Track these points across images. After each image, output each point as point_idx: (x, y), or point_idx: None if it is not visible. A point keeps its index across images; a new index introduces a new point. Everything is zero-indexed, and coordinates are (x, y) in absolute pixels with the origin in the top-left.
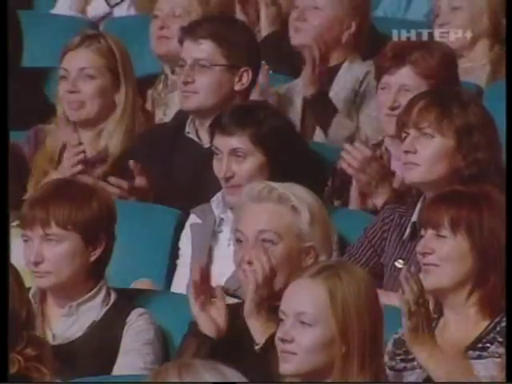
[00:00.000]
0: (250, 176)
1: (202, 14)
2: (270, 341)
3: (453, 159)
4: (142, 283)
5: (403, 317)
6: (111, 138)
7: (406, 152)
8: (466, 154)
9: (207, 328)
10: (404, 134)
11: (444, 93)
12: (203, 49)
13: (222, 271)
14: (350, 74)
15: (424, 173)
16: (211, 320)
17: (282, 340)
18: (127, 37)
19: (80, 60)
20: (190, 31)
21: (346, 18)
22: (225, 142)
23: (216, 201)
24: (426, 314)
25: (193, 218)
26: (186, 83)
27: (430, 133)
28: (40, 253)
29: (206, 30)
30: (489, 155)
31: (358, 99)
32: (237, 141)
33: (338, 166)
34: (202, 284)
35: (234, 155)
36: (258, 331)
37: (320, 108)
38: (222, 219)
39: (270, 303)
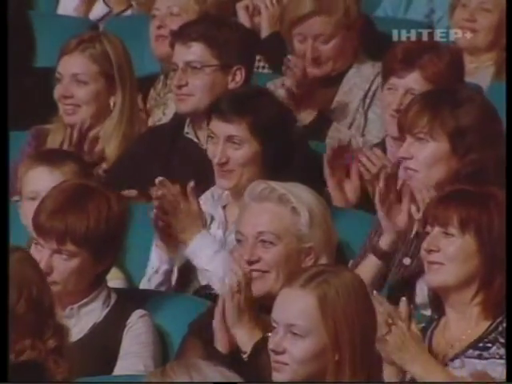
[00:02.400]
0: (244, 163)
1: (199, 12)
2: (256, 348)
3: (448, 162)
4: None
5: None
6: (108, 141)
7: (403, 158)
8: (461, 155)
9: (223, 346)
10: (404, 139)
11: (438, 94)
12: (194, 51)
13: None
14: (359, 75)
15: (422, 179)
16: (231, 340)
17: (274, 351)
18: (127, 37)
19: (73, 65)
20: (180, 35)
21: (353, 32)
22: (222, 128)
23: (203, 198)
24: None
25: None
26: (179, 87)
27: (423, 137)
28: (50, 264)
29: (195, 32)
30: (486, 154)
31: (367, 98)
32: (234, 128)
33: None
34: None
35: (230, 141)
36: (244, 339)
37: (319, 128)
38: (212, 217)
39: (261, 305)
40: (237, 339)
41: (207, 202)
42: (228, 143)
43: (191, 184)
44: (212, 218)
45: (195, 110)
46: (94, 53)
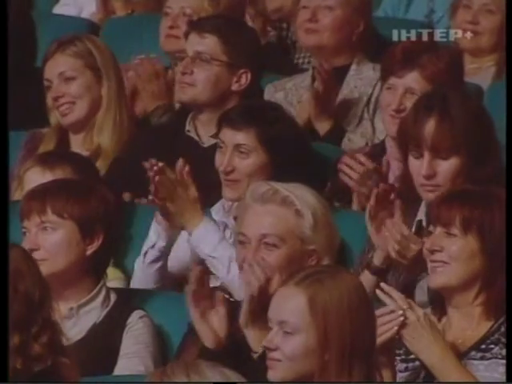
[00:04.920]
0: (250, 173)
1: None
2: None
3: (468, 174)
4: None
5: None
6: (101, 131)
7: (427, 177)
8: (477, 166)
9: (206, 338)
10: (414, 153)
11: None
12: (206, 43)
13: None
14: (359, 77)
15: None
16: (211, 330)
17: (267, 348)
18: (127, 36)
19: (58, 66)
20: (197, 25)
21: (355, 17)
22: (231, 136)
23: (215, 209)
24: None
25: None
26: (183, 73)
27: (446, 157)
28: (36, 241)
29: (213, 25)
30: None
31: (371, 104)
32: (243, 136)
33: (339, 168)
34: (202, 290)
35: (238, 150)
36: (255, 340)
37: (334, 138)
38: (225, 224)
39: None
40: (248, 338)
41: (219, 212)
42: (235, 152)
43: (186, 168)
44: (225, 226)
45: (194, 100)
46: (75, 50)
